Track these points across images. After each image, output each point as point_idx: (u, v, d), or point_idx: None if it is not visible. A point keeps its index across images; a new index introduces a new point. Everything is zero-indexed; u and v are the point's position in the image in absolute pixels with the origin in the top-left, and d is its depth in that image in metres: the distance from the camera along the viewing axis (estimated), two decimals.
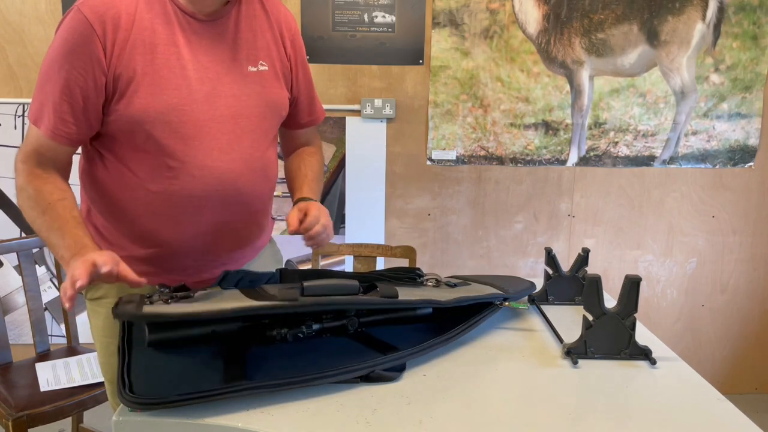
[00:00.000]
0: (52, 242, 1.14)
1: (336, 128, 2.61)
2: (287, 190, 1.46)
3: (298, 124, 1.44)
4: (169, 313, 0.92)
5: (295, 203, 1.33)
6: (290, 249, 2.62)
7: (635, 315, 1.12)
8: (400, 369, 1.06)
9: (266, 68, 1.29)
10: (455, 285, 1.28)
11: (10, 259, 2.61)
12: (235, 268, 1.32)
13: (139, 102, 1.14)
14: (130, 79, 1.14)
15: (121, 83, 1.14)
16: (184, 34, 1.19)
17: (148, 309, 0.97)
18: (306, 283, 1.07)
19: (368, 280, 1.20)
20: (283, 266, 1.41)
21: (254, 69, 1.27)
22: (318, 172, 1.45)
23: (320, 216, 1.25)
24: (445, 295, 1.18)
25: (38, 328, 2.11)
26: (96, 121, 1.17)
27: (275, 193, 1.42)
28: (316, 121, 1.47)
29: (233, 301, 1.04)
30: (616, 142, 2.67)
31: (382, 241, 2.70)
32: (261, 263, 1.41)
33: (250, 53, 1.27)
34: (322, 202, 2.72)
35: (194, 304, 1.03)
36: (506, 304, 1.25)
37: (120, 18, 1.13)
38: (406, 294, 1.15)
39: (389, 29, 2.54)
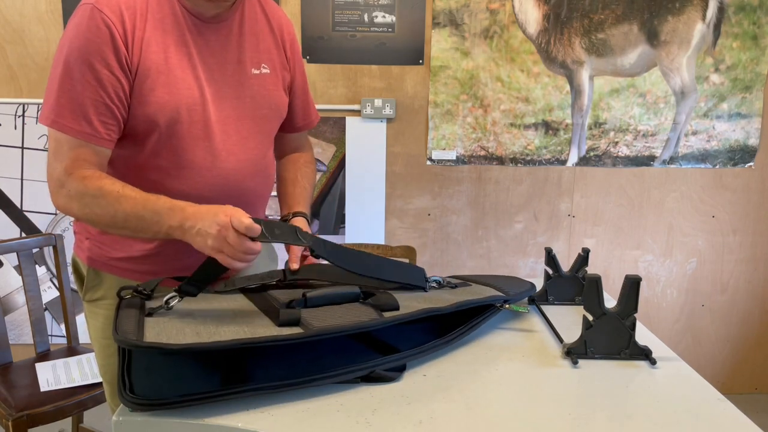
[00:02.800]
0: (147, 222, 1.09)
1: (336, 128, 2.61)
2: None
3: (293, 128, 1.44)
4: (169, 344, 0.91)
5: (293, 214, 1.33)
6: None
7: (635, 315, 1.12)
8: (400, 369, 1.06)
9: (268, 71, 1.30)
10: (456, 286, 1.28)
11: (10, 259, 2.61)
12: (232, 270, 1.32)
13: (155, 101, 1.14)
14: (146, 77, 1.14)
15: (138, 82, 1.14)
16: (191, 36, 1.19)
17: (149, 332, 0.96)
18: (309, 294, 1.08)
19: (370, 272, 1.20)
20: (278, 264, 1.41)
21: (257, 72, 1.28)
22: (313, 184, 1.46)
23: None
24: (445, 298, 1.18)
25: (38, 328, 2.11)
26: (125, 119, 1.16)
27: (274, 194, 1.42)
28: (311, 125, 1.48)
29: (236, 317, 1.04)
30: (616, 142, 2.67)
31: (382, 241, 2.70)
32: (257, 263, 1.42)
33: (253, 56, 1.27)
34: (322, 202, 2.74)
35: (196, 320, 1.02)
36: (507, 306, 1.25)
37: (136, 16, 1.13)
38: (407, 300, 1.15)
39: (389, 29, 2.54)
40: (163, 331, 0.96)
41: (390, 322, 1.05)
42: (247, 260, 1.05)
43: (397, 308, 1.10)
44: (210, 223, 1.04)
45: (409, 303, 1.14)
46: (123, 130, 1.17)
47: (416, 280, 1.24)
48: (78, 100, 1.10)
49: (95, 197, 1.11)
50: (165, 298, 1.05)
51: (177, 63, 1.17)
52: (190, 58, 1.18)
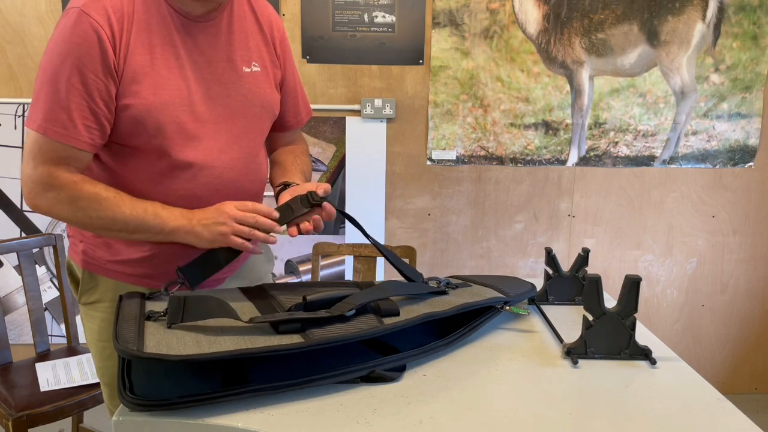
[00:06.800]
0: (149, 224, 1.16)
1: (336, 128, 2.61)
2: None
3: (284, 126, 1.43)
4: (169, 354, 0.91)
5: (283, 186, 1.31)
6: (290, 249, 2.62)
7: (635, 315, 1.12)
8: (400, 369, 1.06)
9: (259, 69, 1.29)
10: (456, 286, 1.28)
11: (10, 259, 2.61)
12: (229, 269, 1.31)
13: (142, 102, 1.14)
14: (132, 79, 1.13)
15: (124, 84, 1.13)
16: (179, 35, 1.18)
17: (150, 340, 0.95)
18: (309, 297, 1.08)
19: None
20: (274, 266, 1.41)
21: (248, 70, 1.27)
22: (309, 169, 1.44)
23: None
24: (445, 301, 1.18)
25: (38, 328, 2.11)
26: (110, 124, 1.15)
27: (268, 194, 1.42)
28: (302, 122, 1.46)
29: (236, 323, 1.03)
30: (616, 142, 2.67)
31: (382, 241, 2.70)
32: (253, 263, 1.42)
33: (243, 54, 1.27)
34: None
35: (197, 327, 1.01)
36: (507, 308, 1.25)
37: (123, 19, 1.12)
38: (407, 302, 1.15)
39: (389, 29, 2.54)
40: (164, 339, 0.95)
41: (390, 329, 1.05)
42: (267, 231, 1.16)
43: (397, 314, 1.10)
44: (218, 214, 1.16)
45: (410, 307, 1.13)
46: (110, 135, 1.16)
47: (424, 290, 1.23)
48: (63, 104, 1.10)
49: (92, 201, 1.14)
50: (165, 286, 1.05)
51: (163, 63, 1.16)
52: (177, 57, 1.18)
